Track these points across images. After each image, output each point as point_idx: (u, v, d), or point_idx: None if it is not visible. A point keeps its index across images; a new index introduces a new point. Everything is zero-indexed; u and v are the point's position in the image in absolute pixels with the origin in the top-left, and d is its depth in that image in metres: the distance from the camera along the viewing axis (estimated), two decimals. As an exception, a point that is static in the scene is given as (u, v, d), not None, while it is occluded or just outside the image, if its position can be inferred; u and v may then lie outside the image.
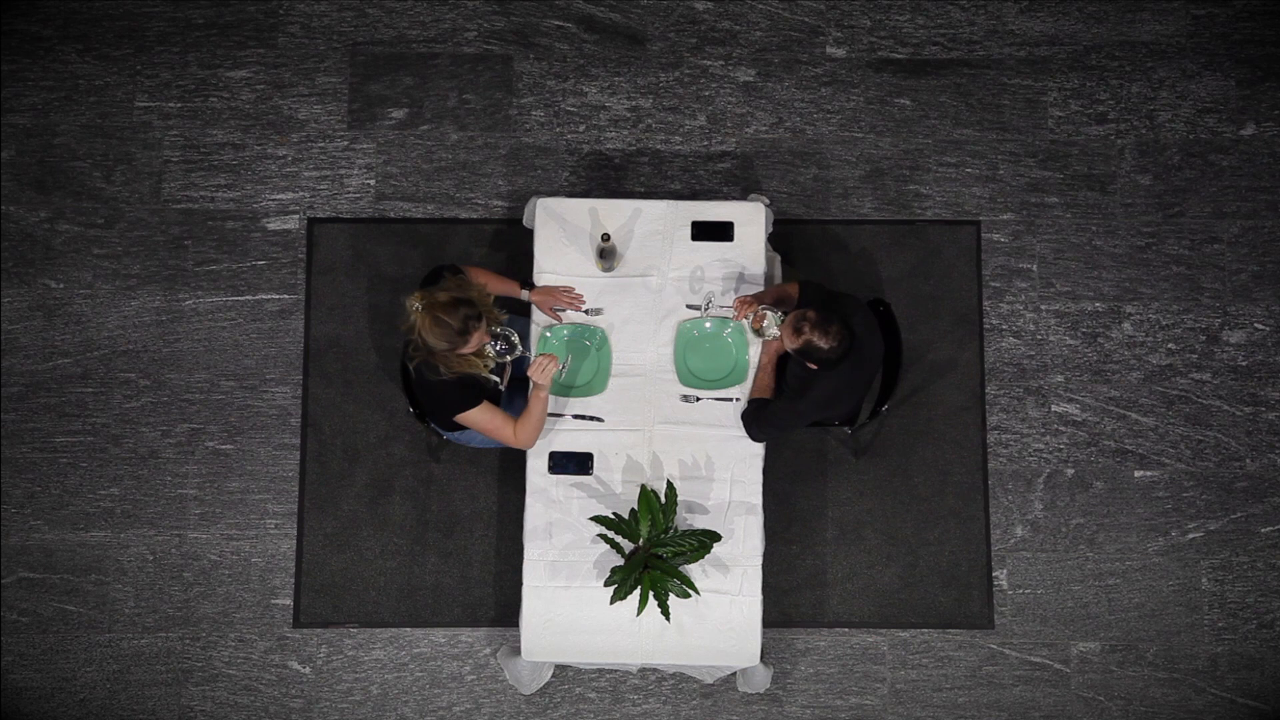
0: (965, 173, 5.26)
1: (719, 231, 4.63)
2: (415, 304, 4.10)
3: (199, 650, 4.98)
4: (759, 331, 4.42)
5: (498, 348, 4.31)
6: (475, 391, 4.30)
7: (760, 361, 4.54)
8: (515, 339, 4.33)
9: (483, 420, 4.32)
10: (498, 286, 4.50)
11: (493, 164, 5.28)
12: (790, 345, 4.23)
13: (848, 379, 4.33)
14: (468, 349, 4.16)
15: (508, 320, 4.44)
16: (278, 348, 5.16)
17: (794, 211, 5.21)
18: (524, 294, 4.55)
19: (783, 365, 4.64)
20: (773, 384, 4.53)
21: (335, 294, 5.17)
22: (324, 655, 4.98)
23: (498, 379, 4.43)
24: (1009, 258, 5.21)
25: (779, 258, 4.92)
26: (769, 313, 4.38)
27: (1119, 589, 5.02)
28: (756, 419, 4.45)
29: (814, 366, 4.26)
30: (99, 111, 5.29)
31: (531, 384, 4.36)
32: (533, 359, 4.46)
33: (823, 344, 4.16)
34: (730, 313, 4.58)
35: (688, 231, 4.64)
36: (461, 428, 4.47)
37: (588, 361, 4.59)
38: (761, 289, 4.62)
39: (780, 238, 5.11)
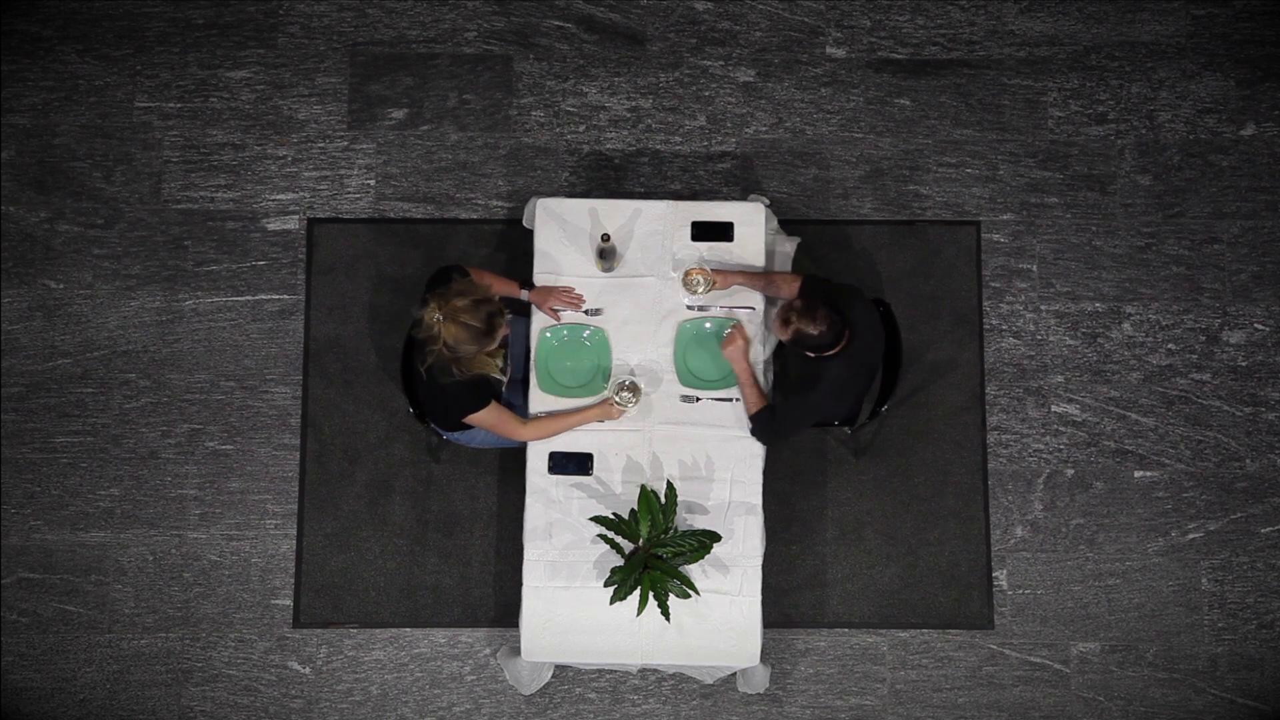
0: (965, 173, 5.26)
1: (719, 231, 4.63)
2: (435, 315, 4.09)
3: (199, 650, 4.98)
4: (687, 285, 4.50)
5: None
6: (485, 392, 4.32)
7: (739, 379, 4.49)
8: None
9: (489, 419, 4.35)
10: (499, 287, 4.50)
11: (493, 164, 5.28)
12: (781, 336, 4.29)
13: (854, 367, 4.35)
14: (494, 345, 4.18)
15: (509, 320, 4.46)
16: (278, 348, 5.16)
17: (794, 211, 5.21)
18: (523, 294, 4.56)
19: (780, 374, 4.65)
20: (760, 393, 4.49)
21: (335, 294, 5.17)
22: (324, 655, 4.98)
23: (503, 377, 4.44)
24: (1009, 258, 5.21)
25: (798, 240, 4.92)
26: (702, 277, 4.48)
27: (1119, 589, 5.02)
28: (772, 427, 4.43)
29: (811, 355, 4.29)
30: (99, 111, 5.29)
31: (597, 405, 4.48)
32: (534, 359, 4.50)
33: (812, 330, 4.20)
34: (728, 312, 4.59)
35: (688, 231, 4.64)
36: (463, 427, 4.48)
37: (587, 361, 4.59)
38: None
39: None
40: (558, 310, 4.56)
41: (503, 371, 4.42)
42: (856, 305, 4.35)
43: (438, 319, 4.09)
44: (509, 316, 4.32)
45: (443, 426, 4.52)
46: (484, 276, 4.45)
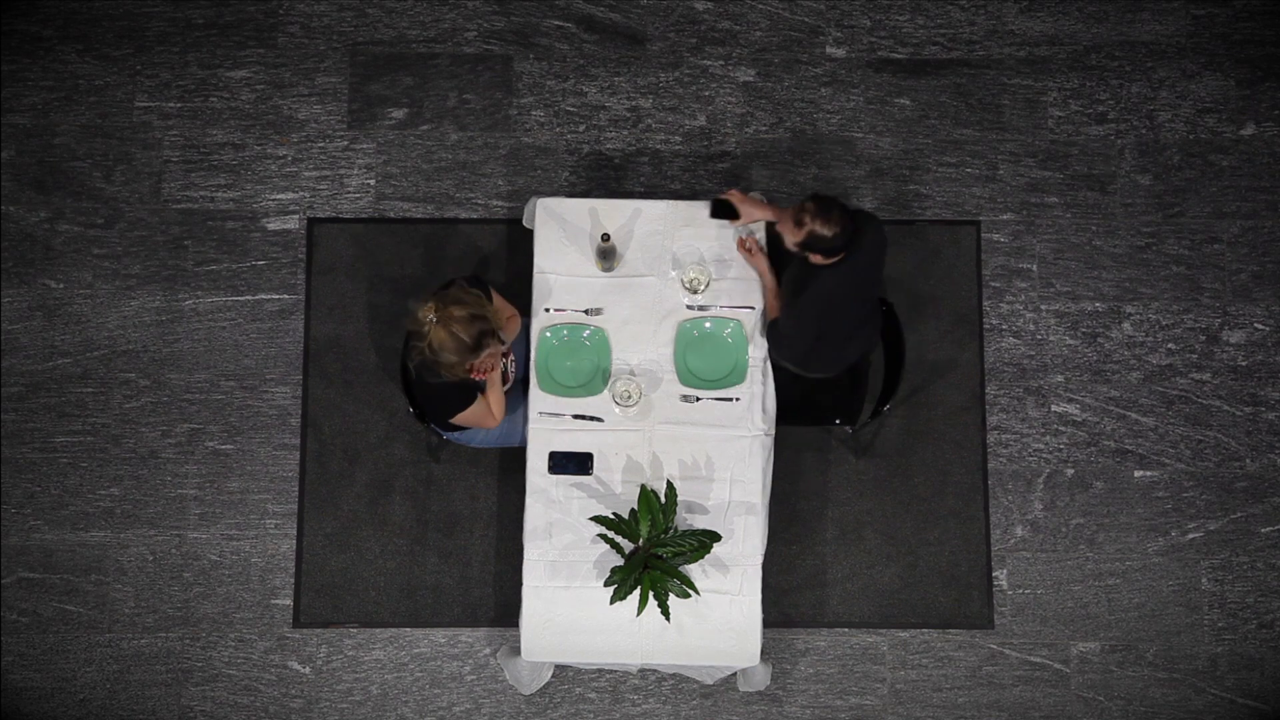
0: (965, 173, 5.26)
1: (733, 209, 4.57)
2: (429, 315, 4.07)
3: (199, 650, 4.98)
4: (690, 286, 4.56)
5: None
6: (472, 392, 4.32)
7: (763, 284, 4.56)
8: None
9: (474, 416, 4.38)
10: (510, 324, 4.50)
11: (493, 164, 5.28)
12: (793, 240, 4.25)
13: (846, 279, 4.32)
14: (477, 363, 4.16)
15: (501, 345, 4.44)
16: (278, 348, 5.16)
17: (794, 211, 5.21)
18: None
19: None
20: (776, 300, 4.55)
21: (335, 294, 5.18)
22: (324, 655, 4.98)
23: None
24: (1009, 258, 5.22)
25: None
26: (701, 275, 4.55)
27: (1119, 589, 5.02)
28: (770, 336, 4.50)
29: (818, 259, 4.25)
30: (99, 111, 5.29)
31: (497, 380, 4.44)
32: (534, 358, 4.54)
33: (825, 231, 4.18)
34: (728, 312, 4.59)
35: (688, 231, 4.64)
36: (461, 428, 4.48)
37: (587, 361, 4.59)
38: (760, 286, 4.61)
39: (781, 237, 5.10)
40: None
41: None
42: (868, 227, 4.33)
43: (431, 319, 4.08)
44: (503, 345, 4.29)
45: (438, 426, 4.53)
46: (505, 308, 4.45)
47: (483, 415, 4.40)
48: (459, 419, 4.38)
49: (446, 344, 4.08)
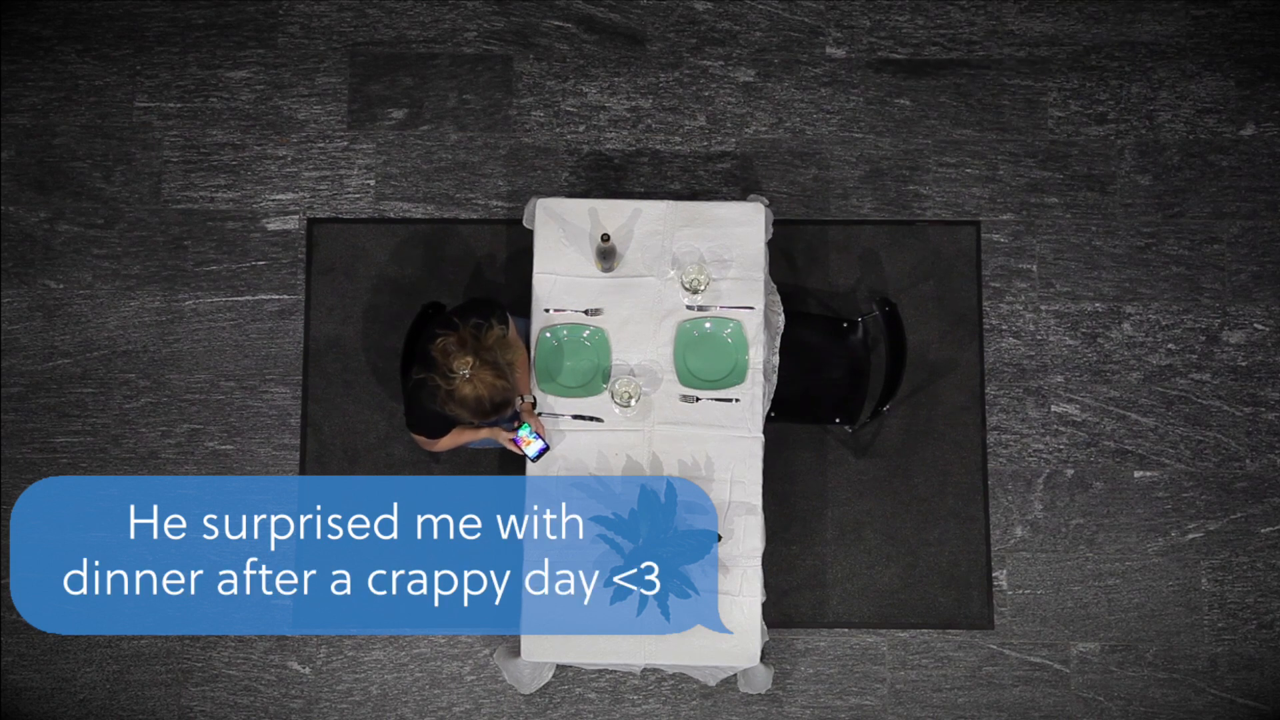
0: (965, 173, 5.26)
1: None
2: (465, 370, 4.04)
3: (199, 650, 4.98)
4: (690, 286, 4.55)
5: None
6: (448, 428, 4.35)
7: None
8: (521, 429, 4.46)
9: (425, 441, 4.40)
10: (520, 374, 4.46)
11: (493, 164, 5.28)
12: None
13: None
14: (484, 422, 4.17)
15: (516, 321, 4.44)
16: (278, 348, 5.16)
17: (794, 211, 5.21)
18: (519, 401, 4.51)
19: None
20: None
21: (335, 294, 5.18)
22: (324, 655, 4.98)
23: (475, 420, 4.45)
24: (1009, 258, 5.22)
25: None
26: (700, 276, 4.53)
27: (1119, 589, 5.02)
28: None
29: None
30: (99, 111, 5.29)
31: (509, 430, 4.43)
32: (533, 358, 4.51)
33: None
34: (727, 313, 4.59)
35: (688, 231, 4.64)
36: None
37: (587, 362, 4.59)
38: (760, 288, 4.61)
39: (780, 238, 5.11)
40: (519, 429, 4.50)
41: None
42: None
43: (464, 375, 4.05)
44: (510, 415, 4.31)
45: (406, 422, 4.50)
46: (520, 348, 4.39)
47: (430, 444, 4.42)
48: (416, 435, 4.39)
49: (467, 401, 4.06)
